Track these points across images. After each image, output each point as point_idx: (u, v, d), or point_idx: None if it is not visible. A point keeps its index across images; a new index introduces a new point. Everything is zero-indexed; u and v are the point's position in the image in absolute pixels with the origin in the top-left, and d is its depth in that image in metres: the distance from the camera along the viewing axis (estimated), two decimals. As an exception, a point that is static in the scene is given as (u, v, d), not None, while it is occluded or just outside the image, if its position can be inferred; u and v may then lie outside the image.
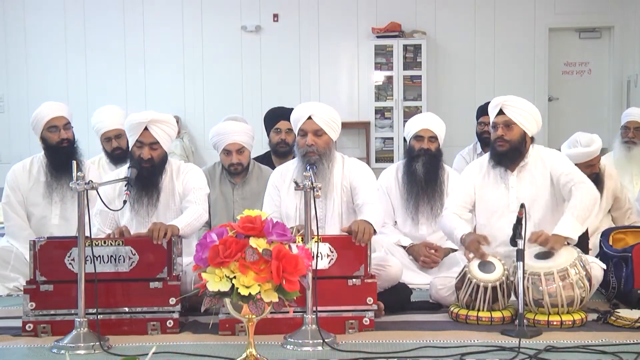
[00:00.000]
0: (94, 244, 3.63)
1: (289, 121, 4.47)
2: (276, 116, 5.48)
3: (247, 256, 2.80)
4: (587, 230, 4.63)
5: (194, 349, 3.44)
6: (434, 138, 5.03)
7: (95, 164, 5.33)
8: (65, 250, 3.75)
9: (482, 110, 5.97)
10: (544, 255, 3.92)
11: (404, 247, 4.98)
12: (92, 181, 3.54)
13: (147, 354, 2.83)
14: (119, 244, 3.78)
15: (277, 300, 2.85)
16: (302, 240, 3.58)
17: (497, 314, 3.86)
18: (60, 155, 4.83)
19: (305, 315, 3.55)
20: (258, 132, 5.48)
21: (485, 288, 3.86)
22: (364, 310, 3.76)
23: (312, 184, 3.52)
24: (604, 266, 4.11)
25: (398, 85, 10.69)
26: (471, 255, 4.00)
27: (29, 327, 3.72)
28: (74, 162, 3.56)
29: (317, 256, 3.63)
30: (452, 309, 3.99)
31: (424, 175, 5.00)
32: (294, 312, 3.58)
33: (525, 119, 4.18)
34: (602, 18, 10.85)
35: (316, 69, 10.96)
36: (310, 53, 10.94)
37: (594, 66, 11.04)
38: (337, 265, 3.77)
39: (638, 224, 5.17)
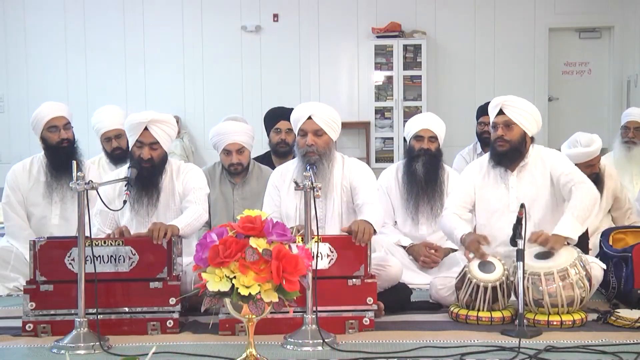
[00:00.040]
0: (94, 244, 3.63)
1: (289, 121, 4.47)
2: (276, 116, 5.49)
3: (247, 256, 2.81)
4: (587, 230, 4.63)
5: (194, 349, 3.44)
6: (434, 138, 5.03)
7: (95, 164, 5.33)
8: (65, 250, 3.75)
9: (482, 110, 5.97)
10: (544, 255, 3.92)
11: (404, 247, 4.98)
12: (92, 181, 3.54)
13: (147, 354, 2.83)
14: (119, 244, 3.78)
15: (277, 300, 2.85)
16: (302, 240, 3.58)
17: (497, 314, 3.86)
18: (60, 155, 4.83)
19: (305, 315, 3.55)
20: (258, 132, 5.48)
21: (485, 288, 3.86)
22: (364, 310, 3.76)
23: (312, 184, 3.52)
24: (604, 266, 4.11)
25: (398, 85, 10.69)
26: (471, 255, 4.00)
27: (29, 327, 3.72)
28: (74, 162, 3.56)
29: (317, 256, 3.63)
30: (452, 309, 3.99)
31: (424, 175, 5.00)
32: (294, 312, 3.58)
33: (525, 119, 4.18)
34: (602, 18, 10.85)
35: (316, 69, 10.96)
36: (310, 53, 10.94)
37: (594, 66, 11.04)
38: (337, 265, 3.77)
39: (638, 224, 5.17)
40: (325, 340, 3.46)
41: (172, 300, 3.74)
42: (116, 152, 5.29)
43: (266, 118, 5.62)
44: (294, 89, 10.83)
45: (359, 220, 3.88)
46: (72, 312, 3.63)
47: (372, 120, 10.79)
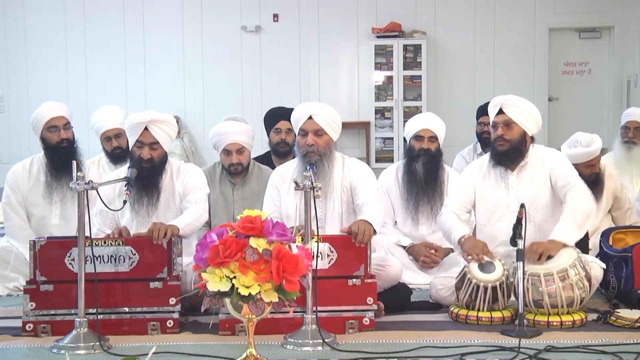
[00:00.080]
0: (93, 244, 3.63)
1: (289, 121, 4.46)
2: (276, 116, 5.49)
3: (247, 256, 2.81)
4: (587, 230, 4.63)
5: (194, 349, 3.44)
6: (434, 138, 5.03)
7: (95, 164, 5.33)
8: (65, 250, 3.75)
9: (482, 111, 5.97)
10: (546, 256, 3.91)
11: (404, 247, 4.98)
12: (92, 181, 3.54)
13: (147, 354, 2.83)
14: (119, 244, 3.78)
15: (277, 300, 2.85)
16: (302, 240, 3.58)
17: (497, 314, 3.86)
18: (60, 155, 4.83)
19: (305, 315, 3.55)
20: (258, 132, 5.48)
21: (485, 288, 3.86)
22: (364, 310, 3.76)
23: (312, 184, 3.52)
24: (604, 265, 4.10)
25: (398, 85, 10.69)
26: (469, 257, 3.99)
27: (29, 327, 3.72)
28: (74, 162, 3.56)
29: (317, 256, 3.63)
30: (452, 309, 3.99)
31: (424, 175, 5.00)
32: (294, 312, 3.58)
33: (525, 118, 4.18)
34: (602, 18, 10.85)
35: (316, 69, 10.95)
36: (310, 53, 10.94)
37: (594, 66, 11.04)
38: (337, 265, 3.77)
39: (639, 224, 5.17)
40: (325, 340, 3.46)
41: (172, 300, 3.74)
42: (116, 151, 5.29)
43: (266, 118, 5.62)
44: (294, 89, 10.83)
45: (358, 220, 3.88)
46: (72, 312, 3.63)
47: (372, 120, 10.78)
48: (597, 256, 4.36)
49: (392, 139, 10.79)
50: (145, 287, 3.74)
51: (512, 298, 3.93)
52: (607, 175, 5.28)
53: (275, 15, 10.95)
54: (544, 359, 3.28)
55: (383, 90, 10.81)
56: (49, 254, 3.76)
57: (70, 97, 10.45)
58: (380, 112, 10.84)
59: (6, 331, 3.78)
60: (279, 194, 4.33)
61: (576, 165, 4.82)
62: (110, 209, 4.06)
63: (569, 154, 4.95)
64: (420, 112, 9.95)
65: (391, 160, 10.42)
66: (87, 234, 3.58)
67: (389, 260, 4.19)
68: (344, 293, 3.75)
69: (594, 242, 4.86)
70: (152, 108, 5.25)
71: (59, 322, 3.71)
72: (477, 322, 3.85)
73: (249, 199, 4.87)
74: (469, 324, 3.86)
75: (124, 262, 3.76)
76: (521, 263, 3.74)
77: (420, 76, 10.67)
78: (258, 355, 3.03)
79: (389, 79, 10.75)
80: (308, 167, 3.94)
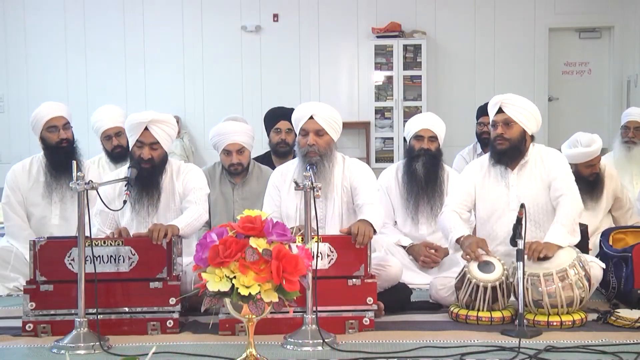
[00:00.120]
0: (93, 244, 3.63)
1: (289, 121, 4.46)
2: (276, 116, 5.49)
3: (247, 256, 2.81)
4: (587, 230, 4.64)
5: (194, 349, 3.44)
6: (434, 138, 5.03)
7: (95, 164, 5.34)
8: (65, 250, 3.75)
9: (482, 111, 5.97)
10: (542, 257, 3.91)
11: (404, 247, 4.98)
12: (92, 181, 3.54)
13: (147, 354, 2.83)
14: (118, 244, 3.77)
15: (277, 300, 2.85)
16: (302, 240, 3.58)
17: (497, 314, 3.86)
18: (60, 155, 4.83)
19: (305, 315, 3.55)
20: (258, 132, 5.48)
21: (485, 288, 3.86)
22: (364, 310, 3.76)
23: (312, 183, 3.52)
24: (603, 265, 4.10)
25: (398, 85, 10.69)
26: (468, 256, 3.99)
27: (29, 327, 3.72)
28: (74, 162, 3.56)
29: (317, 256, 3.63)
30: (452, 309, 3.99)
31: (424, 175, 5.00)
32: (294, 312, 3.58)
33: (525, 117, 4.18)
34: (602, 18, 10.85)
35: (316, 69, 10.95)
36: (310, 53, 10.94)
37: (594, 66, 11.04)
38: (337, 265, 3.77)
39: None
40: (325, 340, 3.46)
41: (172, 300, 3.74)
42: (116, 150, 5.29)
43: (266, 118, 5.62)
44: (294, 89, 10.82)
45: (358, 221, 3.88)
46: (72, 312, 3.63)
47: (372, 120, 10.78)
48: (597, 256, 4.36)
49: (392, 139, 10.79)
50: (145, 287, 3.74)
51: (512, 298, 3.93)
52: (607, 176, 5.28)
53: (275, 15, 10.95)
54: (544, 359, 3.28)
55: (383, 90, 10.81)
56: (49, 254, 3.76)
57: (70, 97, 10.45)
58: (380, 112, 10.84)
59: (6, 331, 3.78)
60: (279, 194, 4.33)
61: (576, 166, 4.83)
62: (110, 209, 4.06)
63: (569, 154, 4.94)
64: (420, 112, 9.94)
65: (391, 160, 10.41)
66: (87, 234, 3.58)
67: (389, 260, 4.19)
68: (344, 293, 3.74)
69: (594, 242, 4.86)
70: (152, 108, 5.25)
71: (59, 322, 3.71)
72: (477, 322, 3.85)
73: (249, 199, 4.87)
74: (469, 324, 3.86)
75: (123, 262, 3.76)
76: (521, 263, 3.74)
77: (420, 76, 10.66)
78: (258, 355, 3.03)
79: (389, 79, 10.75)
80: (308, 167, 3.94)
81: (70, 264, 3.73)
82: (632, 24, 10.70)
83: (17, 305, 4.16)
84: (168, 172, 4.30)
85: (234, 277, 2.80)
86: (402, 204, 5.08)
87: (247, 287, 2.79)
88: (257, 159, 5.36)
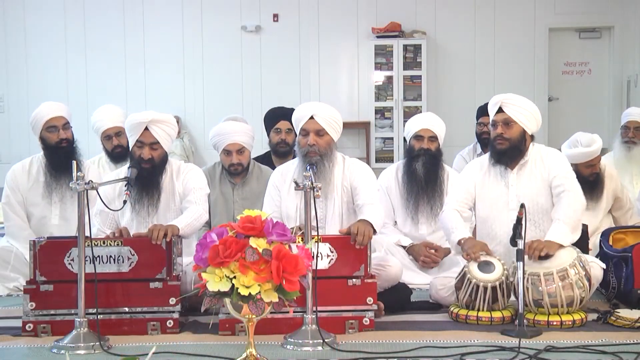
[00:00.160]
0: (93, 244, 3.63)
1: (289, 121, 4.46)
2: (276, 116, 5.49)
3: (247, 256, 2.81)
4: (587, 230, 4.64)
5: (194, 349, 3.44)
6: (434, 138, 5.03)
7: (95, 164, 5.34)
8: (65, 251, 3.75)
9: (482, 111, 5.97)
10: (543, 256, 3.92)
11: (404, 247, 4.98)
12: (92, 181, 3.54)
13: (147, 354, 2.83)
14: (118, 244, 3.77)
15: (277, 300, 2.85)
16: (302, 240, 3.58)
17: (497, 314, 3.86)
18: (60, 155, 4.83)
19: (305, 315, 3.55)
20: (258, 132, 5.47)
21: (485, 288, 3.86)
22: (364, 310, 3.76)
23: (312, 183, 3.52)
24: (604, 265, 4.10)
25: (398, 85, 10.69)
26: (468, 257, 3.99)
27: (29, 327, 3.72)
28: (74, 162, 3.56)
29: (317, 256, 3.63)
30: (452, 309, 3.99)
31: (424, 175, 5.00)
32: (294, 312, 3.58)
33: (525, 117, 4.18)
34: (602, 18, 10.85)
35: (316, 69, 10.95)
36: (310, 53, 10.94)
37: (594, 66, 11.04)
38: (337, 265, 3.77)
39: None
40: (325, 340, 3.46)
41: (172, 300, 3.74)
42: (117, 150, 5.29)
43: (266, 118, 5.62)
44: (294, 89, 10.82)
45: (358, 221, 3.88)
46: (72, 312, 3.63)
47: (372, 120, 10.78)
48: (597, 256, 4.36)
49: (392, 139, 10.79)
50: (145, 287, 3.74)
51: (512, 298, 3.93)
52: (607, 176, 5.28)
53: (275, 15, 10.95)
54: (544, 359, 3.28)
55: (383, 90, 10.81)
56: (49, 254, 3.76)
57: (70, 97, 10.45)
58: (380, 112, 10.84)
59: (6, 331, 3.78)
60: (280, 194, 4.33)
61: (576, 166, 4.83)
62: (110, 209, 4.06)
63: (569, 154, 4.94)
64: (420, 112, 9.93)
65: (391, 160, 10.41)
66: (87, 234, 3.58)
67: (389, 260, 4.19)
68: (344, 293, 3.74)
69: (594, 242, 4.86)
70: (152, 108, 5.25)
71: (59, 322, 3.71)
72: (477, 322, 3.85)
73: (249, 199, 4.87)
74: (469, 324, 3.86)
75: (123, 262, 3.76)
76: (521, 263, 3.74)
77: (420, 76, 10.66)
78: (258, 355, 3.03)
79: (389, 79, 10.75)
80: (308, 167, 3.94)
81: (69, 264, 3.73)
82: (632, 24, 10.70)
83: (17, 305, 4.16)
84: (168, 172, 4.30)
85: (234, 277, 2.80)
86: (402, 204, 5.08)
87: (247, 287, 2.79)
88: (257, 159, 5.36)
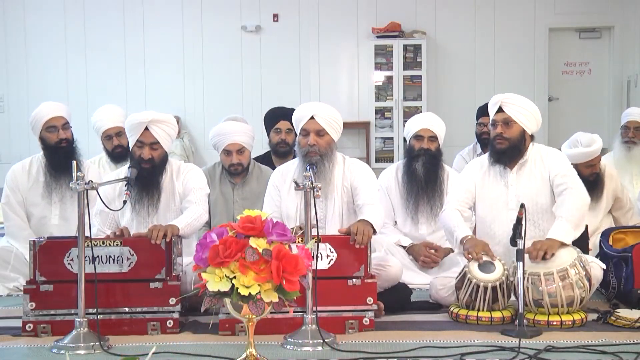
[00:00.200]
0: (93, 244, 3.63)
1: (289, 121, 4.46)
2: (276, 116, 5.49)
3: (247, 256, 2.81)
4: (587, 230, 4.63)
5: (194, 349, 3.44)
6: (434, 138, 5.03)
7: (95, 164, 5.34)
8: (65, 251, 3.75)
9: (482, 111, 5.97)
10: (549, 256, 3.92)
11: (404, 247, 4.98)
12: (92, 181, 3.53)
13: (147, 354, 2.83)
14: (117, 245, 3.77)
15: (277, 300, 2.85)
16: (302, 240, 3.58)
17: (497, 314, 3.86)
18: (59, 155, 4.83)
19: (305, 315, 3.55)
20: (258, 132, 5.47)
21: (485, 288, 3.86)
22: (364, 310, 3.75)
23: (312, 184, 3.52)
24: (604, 266, 4.10)
25: (398, 85, 10.69)
26: (470, 256, 3.99)
27: (29, 327, 3.72)
28: (74, 162, 3.56)
29: (317, 256, 3.63)
30: (452, 309, 3.99)
31: (423, 175, 5.00)
32: (294, 312, 3.58)
33: (525, 116, 4.18)
34: (602, 18, 10.85)
35: (316, 69, 10.95)
36: (310, 53, 10.94)
37: (594, 66, 11.04)
38: (337, 265, 3.77)
39: None
40: (325, 340, 3.46)
41: (172, 300, 3.74)
42: (117, 150, 5.30)
43: (266, 118, 5.62)
44: (294, 89, 10.82)
45: (358, 221, 3.88)
46: (72, 312, 3.63)
47: (372, 120, 10.78)
48: (597, 256, 4.37)
49: (392, 139, 10.79)
50: (145, 287, 3.74)
51: (512, 298, 3.93)
52: (607, 176, 5.28)
53: (275, 15, 10.95)
54: (544, 359, 3.28)
55: (383, 90, 10.81)
56: (49, 254, 3.76)
57: (70, 97, 10.45)
58: (380, 112, 10.84)
59: (6, 331, 3.78)
60: (280, 194, 4.33)
61: (576, 166, 4.82)
62: (110, 209, 4.06)
63: (569, 154, 4.94)
64: (420, 112, 9.93)
65: (391, 160, 10.41)
66: (87, 234, 3.58)
67: (389, 260, 4.19)
68: (344, 293, 3.74)
69: (594, 242, 4.86)
70: (152, 108, 5.25)
71: (59, 322, 3.71)
72: (477, 322, 3.85)
73: (249, 199, 4.87)
74: (469, 324, 3.86)
75: (122, 262, 3.76)
76: (521, 263, 3.73)
77: (420, 76, 10.66)
78: (258, 355, 3.03)
79: (389, 79, 10.75)
80: (308, 167, 3.94)
81: (69, 264, 3.73)
82: (632, 24, 10.70)
83: (17, 305, 4.16)
84: (168, 172, 4.30)
85: (234, 277, 2.80)
86: (402, 204, 5.08)
87: (247, 287, 2.79)
88: (257, 159, 5.36)
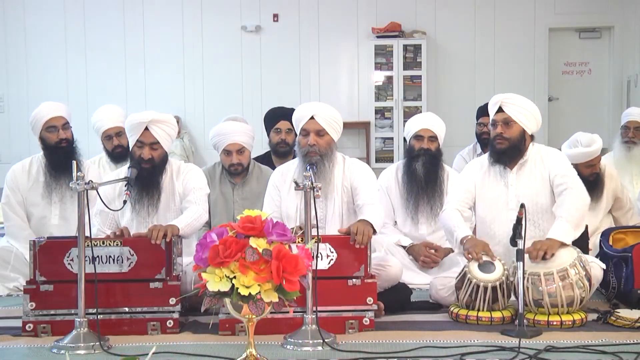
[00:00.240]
0: (93, 244, 3.63)
1: (289, 121, 4.46)
2: (276, 116, 5.49)
3: (247, 256, 2.81)
4: (587, 230, 4.63)
5: (194, 349, 3.44)
6: (434, 138, 5.03)
7: (95, 164, 5.34)
8: (65, 250, 3.75)
9: (482, 111, 5.97)
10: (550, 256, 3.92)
11: (404, 247, 4.98)
12: (92, 181, 3.53)
13: (147, 354, 2.83)
14: (117, 245, 3.77)
15: (277, 300, 2.85)
16: (302, 240, 3.58)
17: (497, 314, 3.86)
18: (59, 155, 4.83)
19: (305, 315, 3.55)
20: (258, 132, 5.47)
21: (485, 288, 3.86)
22: (364, 310, 3.75)
23: (312, 183, 3.52)
24: (604, 266, 4.10)
25: (398, 85, 10.69)
26: (470, 256, 3.99)
27: (29, 327, 3.72)
28: (74, 162, 3.56)
29: (317, 256, 3.63)
30: (452, 309, 3.99)
31: (423, 175, 5.00)
32: (294, 312, 3.58)
33: (525, 116, 4.18)
34: (602, 18, 10.85)
35: (316, 69, 10.95)
36: (310, 53, 10.94)
37: (594, 66, 11.04)
38: (337, 265, 3.77)
39: (640, 224, 5.18)
40: (325, 340, 3.46)
41: (172, 300, 3.74)
42: (117, 150, 5.30)
43: (266, 118, 5.62)
44: (294, 89, 10.82)
45: (358, 221, 3.88)
46: (72, 312, 3.63)
47: (372, 120, 10.78)
48: (597, 256, 4.37)
49: (392, 139, 10.79)
50: (145, 287, 3.74)
51: (512, 298, 3.93)
52: (607, 176, 5.28)
53: (275, 15, 10.95)
54: (544, 359, 3.28)
55: (383, 90, 10.81)
56: (49, 254, 3.76)
57: (70, 97, 10.45)
58: (380, 112, 10.84)
59: (6, 331, 3.78)
60: (280, 194, 4.33)
61: (576, 166, 4.82)
62: (110, 209, 4.06)
63: (569, 154, 4.94)
64: (420, 112, 9.93)
65: (391, 160, 10.41)
66: (87, 234, 3.58)
67: (389, 260, 4.19)
68: (344, 293, 3.74)
69: (594, 242, 4.86)
70: (152, 108, 5.25)
71: (59, 322, 3.71)
72: (477, 322, 3.85)
73: (249, 199, 4.87)
74: (469, 324, 3.86)
75: (122, 262, 3.76)
76: (521, 263, 3.73)
77: (420, 76, 10.66)
78: (258, 355, 3.03)
79: (389, 79, 10.75)
80: (308, 167, 3.94)
81: (69, 264, 3.73)
82: (632, 24, 10.70)
83: (17, 305, 4.16)
84: (168, 172, 4.30)
85: (234, 277, 2.80)
86: (402, 203, 5.08)
87: (247, 287, 2.79)
88: (257, 159, 5.36)
